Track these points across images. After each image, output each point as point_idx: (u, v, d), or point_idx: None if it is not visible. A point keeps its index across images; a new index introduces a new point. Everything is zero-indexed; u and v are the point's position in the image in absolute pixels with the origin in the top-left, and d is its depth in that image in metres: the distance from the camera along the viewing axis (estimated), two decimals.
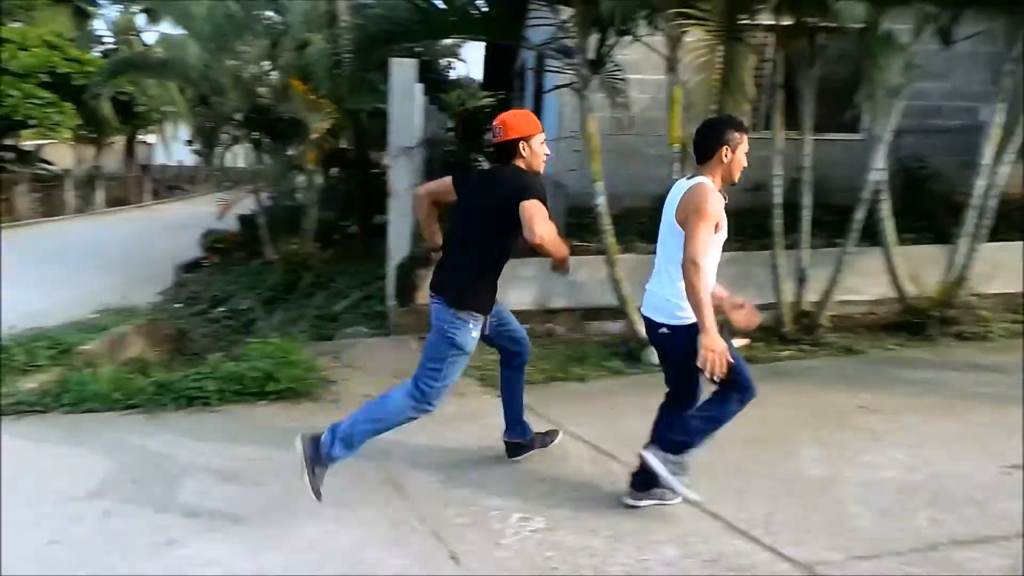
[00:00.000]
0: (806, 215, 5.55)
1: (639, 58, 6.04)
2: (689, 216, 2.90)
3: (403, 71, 6.25)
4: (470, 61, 44.03)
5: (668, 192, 3.11)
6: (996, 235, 6.39)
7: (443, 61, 20.06)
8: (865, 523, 2.99)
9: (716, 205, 2.90)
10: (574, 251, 7.25)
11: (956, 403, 4.29)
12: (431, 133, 8.00)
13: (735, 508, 3.11)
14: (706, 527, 2.99)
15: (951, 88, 8.53)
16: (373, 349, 5.80)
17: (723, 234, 2.99)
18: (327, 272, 8.56)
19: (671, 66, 4.57)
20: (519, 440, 3.60)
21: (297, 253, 8.76)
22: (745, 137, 3.01)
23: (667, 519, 3.05)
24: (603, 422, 4.12)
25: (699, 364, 2.77)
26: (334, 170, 10.87)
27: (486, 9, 5.87)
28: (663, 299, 3.07)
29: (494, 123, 3.22)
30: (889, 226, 5.70)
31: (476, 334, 3.18)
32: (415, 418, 3.19)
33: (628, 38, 5.35)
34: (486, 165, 17.87)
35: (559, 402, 4.49)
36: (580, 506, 3.16)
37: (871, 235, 5.84)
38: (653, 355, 5.37)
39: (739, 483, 3.35)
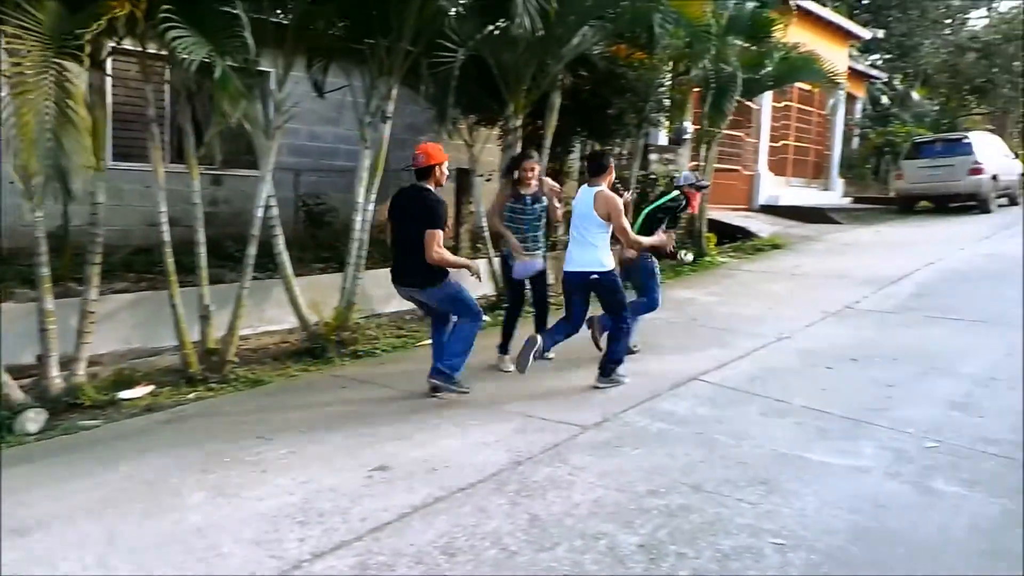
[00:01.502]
0: (201, 251, 5.45)
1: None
2: (613, 215, 4.91)
3: None
4: None
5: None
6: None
7: None
8: (237, 560, 2.99)
9: (621, 202, 5.02)
10: None
11: (343, 418, 4.68)
12: None
13: None
14: None
15: (343, 133, 9.54)
16: None
17: None
18: None
19: (13, 84, 3.93)
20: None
21: None
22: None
23: None
24: None
25: (670, 251, 5.78)
26: None
27: None
28: (589, 258, 4.98)
29: (418, 150, 4.82)
30: (285, 258, 6.00)
31: (455, 281, 4.91)
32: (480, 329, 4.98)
33: None
34: None
35: None
36: None
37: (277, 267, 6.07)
38: (30, 424, 4.59)
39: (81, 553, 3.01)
